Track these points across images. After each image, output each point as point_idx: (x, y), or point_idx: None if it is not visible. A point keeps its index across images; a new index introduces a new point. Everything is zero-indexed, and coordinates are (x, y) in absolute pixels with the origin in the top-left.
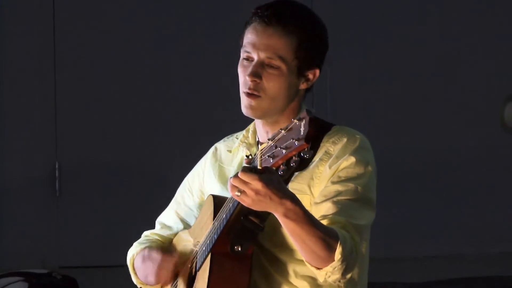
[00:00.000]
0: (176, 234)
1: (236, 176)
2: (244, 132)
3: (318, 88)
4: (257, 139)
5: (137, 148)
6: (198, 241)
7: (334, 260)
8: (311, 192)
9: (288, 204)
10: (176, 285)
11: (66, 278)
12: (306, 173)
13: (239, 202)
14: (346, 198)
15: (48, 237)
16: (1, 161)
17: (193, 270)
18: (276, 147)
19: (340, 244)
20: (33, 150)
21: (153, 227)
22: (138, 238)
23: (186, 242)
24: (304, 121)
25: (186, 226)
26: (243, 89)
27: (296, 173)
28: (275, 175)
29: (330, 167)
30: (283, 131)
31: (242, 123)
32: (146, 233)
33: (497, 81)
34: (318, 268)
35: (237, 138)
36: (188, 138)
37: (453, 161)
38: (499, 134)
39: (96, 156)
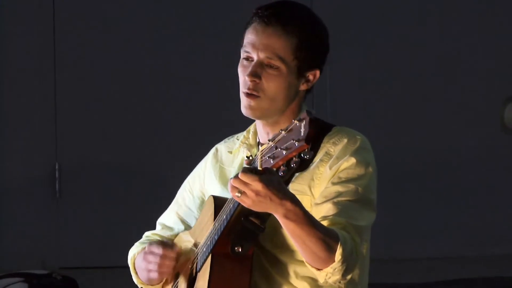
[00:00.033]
0: (177, 235)
1: (236, 177)
2: (244, 133)
3: (318, 88)
4: (257, 140)
5: (137, 149)
6: (198, 242)
7: (334, 261)
8: (311, 193)
9: (288, 205)
10: (177, 286)
11: (66, 279)
12: (306, 174)
13: (239, 203)
14: (347, 199)
15: (48, 238)
16: (1, 162)
17: (194, 270)
18: (276, 148)
19: (340, 245)
20: (33, 150)
21: (153, 227)
22: (138, 239)
23: (187, 243)
24: (304, 122)
25: (187, 227)
26: (242, 89)
27: (297, 174)
28: (275, 176)
29: (330, 168)
30: (283, 132)
31: (242, 123)
32: (147, 233)
33: (497, 81)
34: (319, 269)
35: (238, 139)
36: (188, 139)
37: (453, 161)
38: (499, 134)
39: (96, 156)
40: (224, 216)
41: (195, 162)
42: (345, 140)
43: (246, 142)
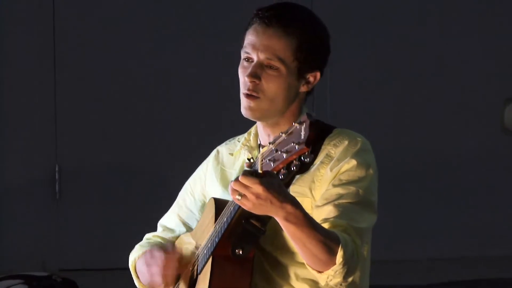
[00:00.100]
0: (178, 237)
1: (236, 180)
2: (245, 135)
3: (318, 88)
4: (258, 142)
5: (137, 149)
6: (199, 244)
7: (335, 264)
8: (312, 195)
9: (289, 207)
10: None
11: (66, 281)
12: (307, 176)
13: (240, 206)
14: (347, 201)
15: (48, 240)
16: (0, 162)
17: (195, 273)
18: (276, 151)
19: (341, 247)
20: (33, 151)
21: (153, 229)
22: (139, 241)
23: (188, 245)
24: (304, 125)
25: (188, 229)
26: (242, 90)
27: (298, 176)
28: (275, 179)
29: (331, 170)
30: (283, 135)
31: (242, 123)
32: (148, 235)
33: (497, 81)
34: (320, 272)
35: (239, 141)
36: (188, 139)
37: (453, 161)
38: (499, 134)
39: (96, 157)
40: (225, 219)
41: (195, 162)
42: (346, 142)
43: (247, 144)
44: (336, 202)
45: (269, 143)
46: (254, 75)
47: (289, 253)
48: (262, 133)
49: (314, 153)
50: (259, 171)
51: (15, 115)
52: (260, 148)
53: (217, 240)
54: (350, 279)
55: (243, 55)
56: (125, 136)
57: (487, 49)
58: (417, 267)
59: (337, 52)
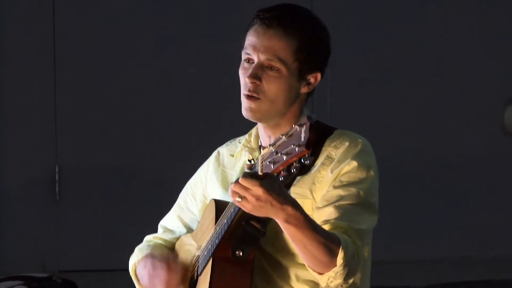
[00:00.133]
0: (178, 238)
1: (237, 181)
2: (246, 136)
3: (318, 87)
4: (259, 144)
5: (137, 149)
6: (200, 246)
7: (336, 265)
8: (312, 196)
9: (289, 209)
10: None
11: (66, 282)
12: (308, 178)
13: (240, 208)
14: (348, 202)
15: (48, 241)
16: (0, 162)
17: (195, 274)
18: (277, 153)
19: (342, 249)
20: (33, 151)
21: (153, 229)
22: (139, 241)
23: (189, 246)
24: (304, 127)
25: (189, 230)
26: (243, 91)
27: (298, 178)
28: (276, 181)
29: (332, 172)
30: (284, 137)
31: (243, 124)
32: (148, 237)
33: (497, 81)
34: (320, 273)
35: (240, 143)
36: (188, 139)
37: (453, 161)
38: (499, 135)
39: (96, 157)
40: (225, 220)
41: (195, 162)
42: (347, 144)
43: (248, 145)
44: (336, 204)
45: (269, 145)
46: (255, 76)
47: (290, 254)
48: (263, 134)
49: (315, 154)
50: (259, 173)
51: (15, 115)
52: (261, 149)
53: (217, 241)
54: (350, 281)
55: (243, 56)
56: (125, 136)
57: (487, 49)
58: (417, 268)
59: (337, 52)
